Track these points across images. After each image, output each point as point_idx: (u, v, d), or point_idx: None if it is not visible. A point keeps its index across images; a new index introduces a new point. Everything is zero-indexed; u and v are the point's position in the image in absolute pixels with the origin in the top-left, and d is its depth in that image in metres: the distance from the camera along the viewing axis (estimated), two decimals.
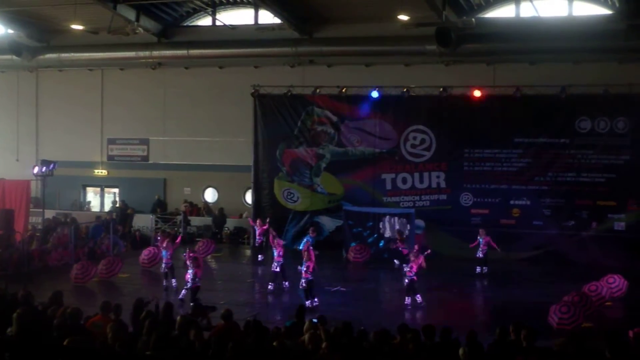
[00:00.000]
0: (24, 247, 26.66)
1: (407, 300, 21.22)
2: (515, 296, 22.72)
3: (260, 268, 27.54)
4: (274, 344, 11.19)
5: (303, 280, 20.69)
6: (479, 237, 26.26)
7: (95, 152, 38.10)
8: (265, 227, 27.96)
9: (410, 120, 30.59)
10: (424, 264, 21.27)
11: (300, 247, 25.90)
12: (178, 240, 24.83)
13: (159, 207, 35.90)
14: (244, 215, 34.44)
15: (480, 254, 26.11)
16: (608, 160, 28.56)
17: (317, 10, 32.00)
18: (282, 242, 24.17)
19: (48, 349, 10.19)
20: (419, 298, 21.16)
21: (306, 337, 11.68)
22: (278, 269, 23.10)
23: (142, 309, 13.63)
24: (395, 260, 27.01)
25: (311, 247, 22.55)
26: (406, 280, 21.38)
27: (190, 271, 20.77)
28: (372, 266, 27.95)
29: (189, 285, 20.74)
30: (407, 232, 28.82)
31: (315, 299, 20.63)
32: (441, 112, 30.14)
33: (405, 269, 21.95)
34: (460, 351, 10.95)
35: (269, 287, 23.08)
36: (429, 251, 22.53)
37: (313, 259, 20.83)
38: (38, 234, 30.04)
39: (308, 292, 20.67)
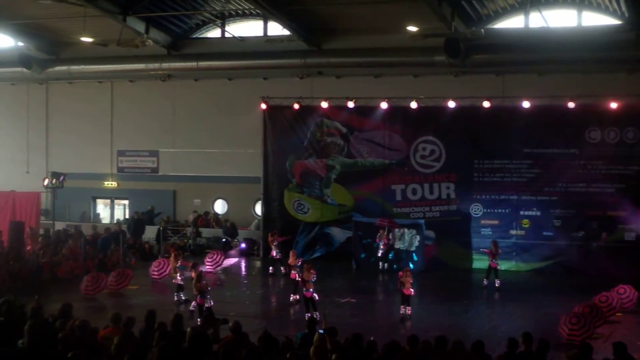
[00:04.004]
0: (34, 259, 26.71)
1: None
2: (524, 307, 22.62)
3: (271, 279, 27.52)
4: (287, 356, 11.15)
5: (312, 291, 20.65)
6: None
7: (105, 164, 38.22)
8: (282, 239, 28.05)
9: (420, 131, 30.56)
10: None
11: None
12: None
13: (150, 217, 35.83)
14: (252, 226, 34.48)
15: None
16: (618, 170, 28.48)
17: (325, 22, 32.03)
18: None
19: None
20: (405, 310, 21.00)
21: (312, 348, 11.65)
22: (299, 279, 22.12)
23: (155, 321, 13.59)
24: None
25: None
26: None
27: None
28: (381, 277, 27.91)
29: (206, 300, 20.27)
30: (417, 243, 28.77)
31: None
32: (451, 123, 30.09)
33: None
34: None
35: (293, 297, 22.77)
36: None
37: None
38: (50, 246, 30.07)
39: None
